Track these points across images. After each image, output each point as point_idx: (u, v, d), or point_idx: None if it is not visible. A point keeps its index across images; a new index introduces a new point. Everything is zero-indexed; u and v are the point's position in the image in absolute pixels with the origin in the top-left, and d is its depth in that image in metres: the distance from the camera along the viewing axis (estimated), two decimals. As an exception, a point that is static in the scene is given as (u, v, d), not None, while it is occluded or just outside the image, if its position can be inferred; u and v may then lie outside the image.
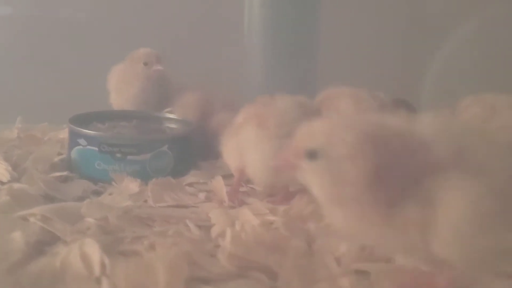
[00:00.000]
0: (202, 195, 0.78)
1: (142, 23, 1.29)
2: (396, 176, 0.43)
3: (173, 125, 0.96)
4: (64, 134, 1.05)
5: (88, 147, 0.84)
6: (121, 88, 1.03)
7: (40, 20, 1.27)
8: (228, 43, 1.30)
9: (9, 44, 1.29)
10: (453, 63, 1.18)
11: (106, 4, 1.29)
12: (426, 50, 1.25)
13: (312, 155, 0.46)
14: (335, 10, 1.26)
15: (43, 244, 0.59)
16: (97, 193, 0.79)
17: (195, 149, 0.91)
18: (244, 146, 0.71)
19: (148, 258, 0.51)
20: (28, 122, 1.14)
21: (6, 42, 1.29)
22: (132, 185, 0.79)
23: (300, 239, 0.60)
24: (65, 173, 0.82)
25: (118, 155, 0.83)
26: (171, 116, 0.99)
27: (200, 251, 0.56)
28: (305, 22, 1.21)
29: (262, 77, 1.24)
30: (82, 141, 0.85)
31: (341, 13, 1.29)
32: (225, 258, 0.54)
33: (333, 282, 0.52)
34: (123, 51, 1.07)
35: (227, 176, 0.80)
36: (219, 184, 0.78)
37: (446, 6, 1.25)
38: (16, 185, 0.73)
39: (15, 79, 1.26)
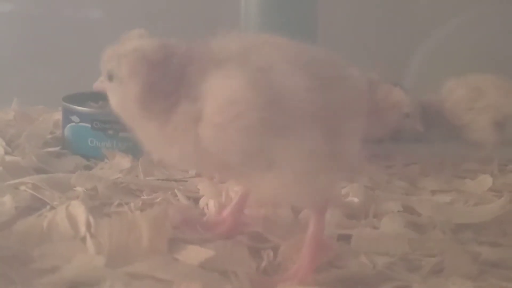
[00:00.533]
0: (192, 171, 0.79)
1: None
2: (163, 89, 0.46)
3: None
4: (59, 115, 1.06)
5: (81, 123, 0.85)
6: None
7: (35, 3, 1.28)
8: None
9: (8, 28, 1.29)
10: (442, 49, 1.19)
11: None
12: (420, 33, 1.25)
13: (110, 76, 0.49)
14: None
15: (32, 209, 0.60)
16: (89, 168, 0.80)
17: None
18: None
19: (132, 217, 0.52)
20: (25, 104, 1.15)
21: (5, 27, 1.30)
22: (124, 161, 0.81)
23: (287, 209, 0.61)
24: (57, 148, 0.83)
25: (110, 132, 0.84)
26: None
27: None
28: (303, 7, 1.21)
29: None
30: (75, 118, 0.86)
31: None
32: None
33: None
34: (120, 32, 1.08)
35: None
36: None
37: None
38: (8, 157, 0.74)
39: (13, 62, 1.26)
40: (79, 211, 0.54)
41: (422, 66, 1.19)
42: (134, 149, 0.83)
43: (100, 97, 0.96)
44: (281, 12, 1.21)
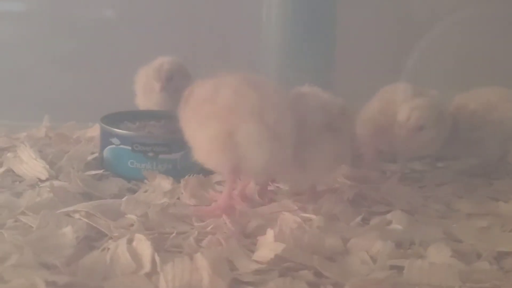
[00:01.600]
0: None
1: (165, 24, 1.31)
2: None
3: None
4: (91, 132, 1.08)
5: (121, 146, 0.87)
6: (147, 91, 1.05)
7: (66, 19, 1.29)
8: (245, 38, 1.31)
9: (34, 43, 1.31)
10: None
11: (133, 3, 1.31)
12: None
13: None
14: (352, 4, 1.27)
15: (90, 239, 0.62)
16: (132, 191, 0.81)
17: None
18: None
19: (193, 257, 0.53)
20: (54, 120, 1.17)
21: (30, 41, 1.31)
22: (165, 183, 0.82)
23: (336, 238, 0.62)
24: (100, 171, 0.84)
25: (150, 154, 0.86)
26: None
27: (240, 250, 0.59)
28: (323, 14, 1.23)
29: (279, 70, 1.25)
30: (115, 140, 0.87)
31: (358, 7, 1.29)
32: (267, 258, 0.57)
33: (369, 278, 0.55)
34: (149, 53, 1.10)
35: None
36: (248, 182, 0.81)
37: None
38: (56, 183, 0.75)
39: (41, 77, 1.28)
40: (144, 245, 0.56)
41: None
42: (172, 170, 0.85)
43: (136, 117, 0.98)
44: (302, 21, 1.22)
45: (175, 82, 1.02)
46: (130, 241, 0.58)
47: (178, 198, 0.78)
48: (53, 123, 1.13)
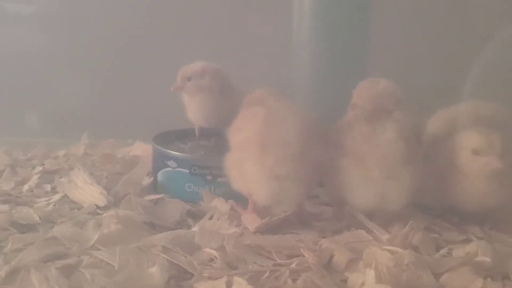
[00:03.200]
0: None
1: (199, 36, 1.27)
2: None
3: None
4: (135, 151, 1.05)
5: (178, 169, 0.84)
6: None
7: (103, 35, 1.25)
8: (276, 55, 1.29)
9: (65, 56, 1.27)
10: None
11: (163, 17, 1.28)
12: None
13: None
14: (386, 20, 1.25)
15: (177, 279, 0.59)
16: (192, 215, 0.78)
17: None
18: None
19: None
20: (90, 136, 1.14)
21: (60, 55, 1.28)
22: (224, 207, 0.79)
23: (429, 275, 0.60)
24: (158, 196, 0.81)
25: (209, 177, 0.83)
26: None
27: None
28: (357, 32, 1.21)
29: (309, 89, 1.23)
30: (171, 163, 0.84)
31: (392, 22, 1.27)
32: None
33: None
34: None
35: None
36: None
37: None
38: (121, 212, 0.72)
39: (74, 93, 1.24)
40: (244, 289, 0.53)
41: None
42: (230, 193, 0.82)
43: (187, 137, 0.95)
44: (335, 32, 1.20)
45: (196, 82, 0.94)
46: (229, 285, 0.54)
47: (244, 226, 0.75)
48: (93, 141, 1.10)
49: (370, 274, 0.57)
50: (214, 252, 0.64)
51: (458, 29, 1.25)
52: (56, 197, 0.81)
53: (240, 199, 0.79)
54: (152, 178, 0.87)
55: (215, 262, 0.62)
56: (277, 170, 0.68)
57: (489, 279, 0.59)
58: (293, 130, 0.69)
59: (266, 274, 0.59)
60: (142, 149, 1.04)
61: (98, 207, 0.78)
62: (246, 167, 0.70)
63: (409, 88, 1.23)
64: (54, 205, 0.78)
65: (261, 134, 0.69)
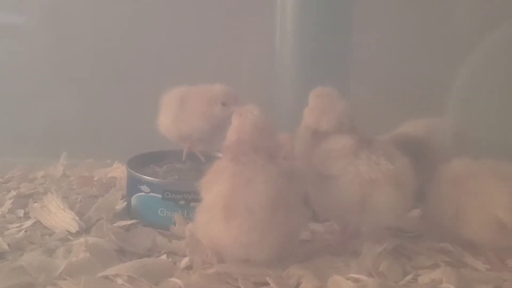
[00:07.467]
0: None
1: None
2: None
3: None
4: (112, 172, 1.05)
5: (151, 194, 0.84)
6: (188, 125, 0.93)
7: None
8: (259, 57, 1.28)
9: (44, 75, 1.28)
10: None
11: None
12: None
13: None
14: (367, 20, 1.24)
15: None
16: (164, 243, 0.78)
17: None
18: None
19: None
20: (69, 157, 1.14)
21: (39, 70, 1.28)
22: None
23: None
24: (132, 221, 0.82)
25: (182, 202, 0.83)
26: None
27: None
28: (339, 31, 1.21)
29: (292, 89, 1.23)
30: (144, 188, 0.85)
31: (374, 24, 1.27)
32: None
33: None
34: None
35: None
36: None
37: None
38: (91, 240, 0.72)
39: (53, 111, 1.25)
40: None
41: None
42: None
43: (162, 159, 0.95)
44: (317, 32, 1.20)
45: None
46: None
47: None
48: (72, 161, 1.10)
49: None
50: (179, 282, 0.64)
51: (443, 28, 1.26)
52: (28, 223, 0.81)
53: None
54: (125, 203, 0.87)
55: (179, 293, 0.63)
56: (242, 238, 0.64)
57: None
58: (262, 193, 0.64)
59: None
60: (120, 171, 1.04)
61: (69, 233, 0.78)
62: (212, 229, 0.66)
63: (393, 88, 1.24)
64: (26, 231, 0.78)
65: (225, 197, 0.65)
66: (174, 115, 0.92)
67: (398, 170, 0.71)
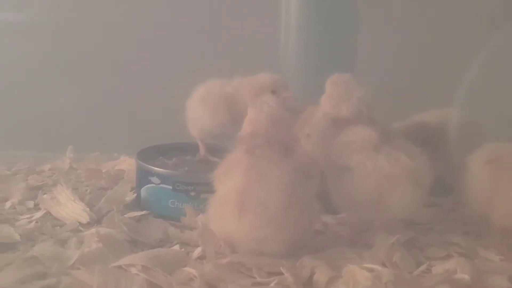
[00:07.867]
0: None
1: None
2: None
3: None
4: (120, 165, 1.05)
5: (162, 185, 0.84)
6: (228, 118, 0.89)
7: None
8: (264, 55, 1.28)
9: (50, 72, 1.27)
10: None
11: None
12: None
13: None
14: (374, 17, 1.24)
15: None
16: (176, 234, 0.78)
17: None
18: None
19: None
20: (76, 150, 1.13)
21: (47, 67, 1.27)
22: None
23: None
24: (142, 212, 0.81)
25: (192, 193, 0.83)
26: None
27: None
28: (343, 26, 1.21)
29: (297, 84, 1.22)
30: (155, 180, 0.84)
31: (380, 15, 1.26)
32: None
33: None
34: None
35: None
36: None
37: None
38: (102, 230, 0.72)
39: (59, 105, 1.24)
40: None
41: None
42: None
43: (171, 152, 0.95)
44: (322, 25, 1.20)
45: None
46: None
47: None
48: (78, 154, 1.10)
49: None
50: (193, 271, 0.64)
51: (446, 25, 1.25)
52: (39, 214, 0.80)
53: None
54: (135, 194, 0.87)
55: (192, 280, 0.62)
56: (255, 234, 0.64)
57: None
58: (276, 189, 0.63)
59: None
60: (128, 163, 1.04)
61: (80, 224, 0.78)
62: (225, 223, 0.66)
63: (397, 84, 1.24)
64: (36, 222, 0.78)
65: (239, 192, 0.64)
66: (216, 108, 0.88)
67: (417, 166, 0.71)
